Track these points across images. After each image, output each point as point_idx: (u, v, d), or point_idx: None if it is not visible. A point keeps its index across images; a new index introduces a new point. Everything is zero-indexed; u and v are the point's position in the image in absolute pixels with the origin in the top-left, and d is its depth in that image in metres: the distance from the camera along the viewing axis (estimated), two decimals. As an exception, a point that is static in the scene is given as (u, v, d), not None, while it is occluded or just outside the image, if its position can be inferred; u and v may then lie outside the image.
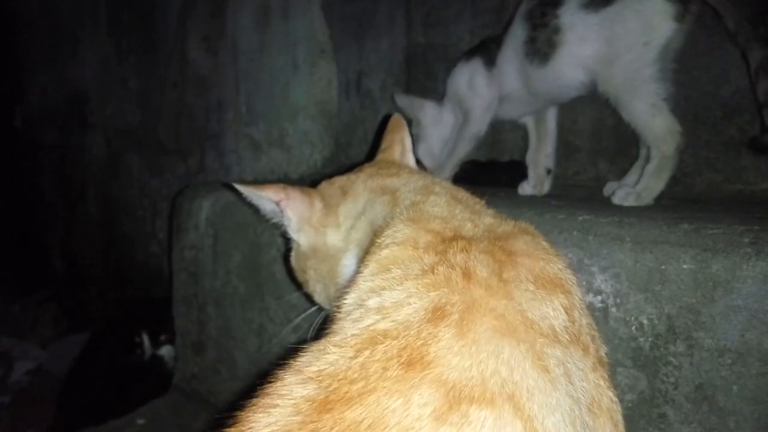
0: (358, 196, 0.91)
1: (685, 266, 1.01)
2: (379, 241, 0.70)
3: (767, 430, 0.95)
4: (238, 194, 1.61)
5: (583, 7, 1.36)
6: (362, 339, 0.53)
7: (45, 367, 2.55)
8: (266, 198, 0.93)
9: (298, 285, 1.03)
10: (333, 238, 0.90)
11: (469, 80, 1.62)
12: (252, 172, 2.44)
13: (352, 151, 2.20)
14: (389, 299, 0.57)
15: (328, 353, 0.52)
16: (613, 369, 1.12)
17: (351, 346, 0.52)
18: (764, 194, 1.48)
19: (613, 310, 1.08)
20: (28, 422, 2.12)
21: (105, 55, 3.04)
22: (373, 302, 0.58)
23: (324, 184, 0.97)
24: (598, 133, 1.73)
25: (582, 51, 1.37)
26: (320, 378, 0.49)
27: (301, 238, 0.94)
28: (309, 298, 1.03)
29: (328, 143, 2.25)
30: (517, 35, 1.49)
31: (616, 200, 1.35)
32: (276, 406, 0.48)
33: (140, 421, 1.59)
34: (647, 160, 1.36)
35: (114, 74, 3.00)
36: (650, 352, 1.05)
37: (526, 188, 1.62)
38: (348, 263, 0.89)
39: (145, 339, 2.02)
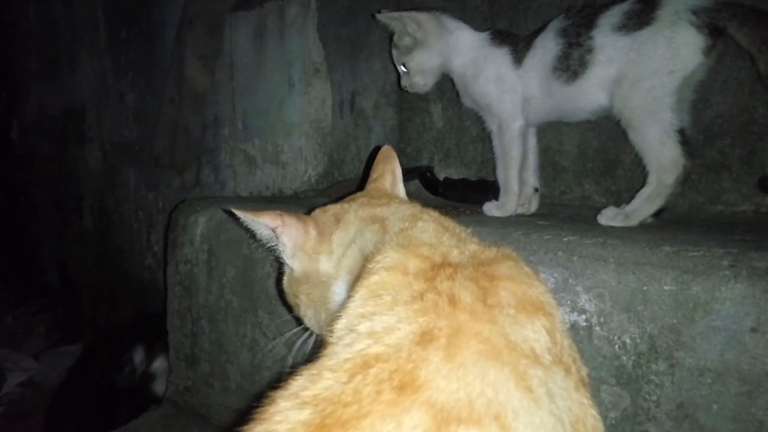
0: (350, 224, 0.93)
1: (666, 287, 1.04)
2: (369, 266, 0.72)
3: (745, 448, 0.98)
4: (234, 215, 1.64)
5: (617, 29, 1.37)
6: (355, 363, 0.55)
7: (37, 379, 2.55)
8: (263, 224, 0.95)
9: (290, 308, 1.05)
10: (325, 265, 0.93)
11: (496, 72, 1.55)
12: (247, 187, 2.47)
13: (345, 168, 2.24)
14: (380, 324, 0.60)
15: (323, 377, 0.54)
16: (596, 387, 1.15)
17: (344, 371, 0.55)
18: (744, 215, 1.52)
19: (597, 329, 1.11)
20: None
21: (102, 70, 3.07)
22: (364, 327, 0.60)
23: (318, 212, 1.00)
24: (583, 155, 1.77)
25: (608, 72, 1.38)
26: (316, 402, 0.52)
27: (295, 263, 0.96)
28: (299, 322, 1.05)
29: (321, 160, 2.28)
30: (549, 48, 1.47)
31: (603, 220, 1.38)
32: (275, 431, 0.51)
33: (133, 434, 1.61)
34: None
35: (111, 89, 3.03)
36: (633, 371, 1.08)
37: (491, 209, 1.59)
38: (338, 290, 0.92)
39: (138, 356, 2.02)
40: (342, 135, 2.24)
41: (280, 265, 1.03)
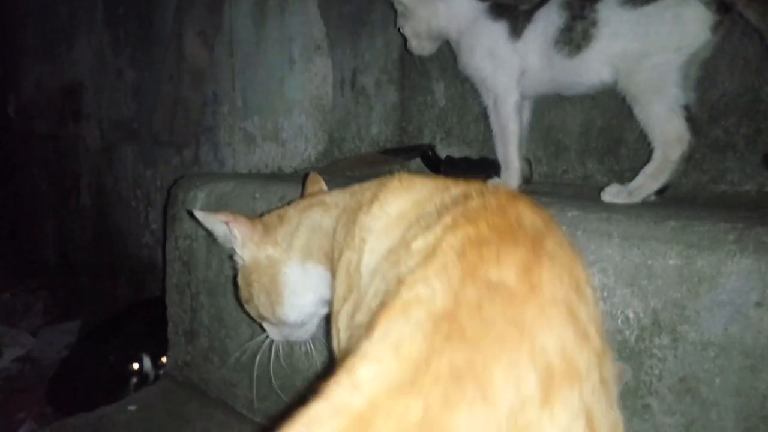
0: (291, 218, 1.11)
1: (671, 262, 1.04)
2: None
3: (748, 422, 0.98)
4: (233, 186, 1.64)
5: (623, 3, 1.35)
6: None
7: (35, 355, 2.55)
8: (217, 220, 1.12)
9: (245, 303, 1.17)
10: (272, 252, 1.09)
11: (491, 48, 1.54)
12: (246, 165, 2.45)
13: (345, 147, 2.22)
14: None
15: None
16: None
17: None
18: (748, 195, 1.51)
19: (600, 303, 1.11)
20: (16, 408, 2.12)
21: (101, 47, 3.04)
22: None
23: (266, 215, 1.16)
24: (587, 134, 1.75)
25: (613, 47, 1.36)
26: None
27: (245, 253, 1.11)
28: (259, 324, 1.21)
29: (322, 138, 2.27)
30: (552, 20, 1.45)
31: (607, 198, 1.37)
32: None
33: (131, 408, 1.60)
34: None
35: (109, 66, 3.00)
36: (635, 345, 1.07)
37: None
38: (289, 271, 1.08)
39: (146, 361, 1.99)
40: (343, 113, 2.22)
41: (235, 276, 1.17)
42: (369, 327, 0.51)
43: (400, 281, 0.57)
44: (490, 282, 0.53)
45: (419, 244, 0.65)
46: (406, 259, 0.65)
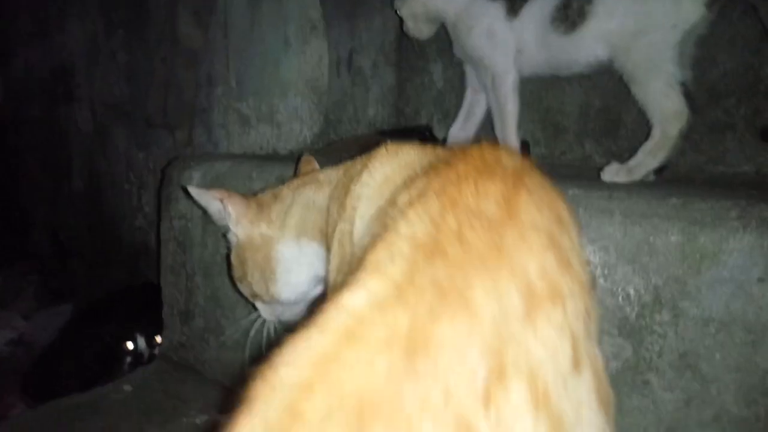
0: (285, 196, 1.12)
1: (673, 239, 1.04)
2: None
3: (748, 397, 0.98)
4: (229, 166, 1.63)
5: None
6: None
7: (28, 338, 2.53)
8: (212, 197, 1.12)
9: (239, 282, 1.17)
10: (266, 230, 1.10)
11: (488, 27, 1.55)
12: (240, 147, 2.43)
13: (341, 128, 2.21)
14: None
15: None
16: (599, 338, 1.15)
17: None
18: (746, 176, 1.51)
19: (601, 281, 1.10)
20: (8, 390, 2.10)
21: (93, 29, 2.99)
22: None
23: (259, 194, 1.17)
24: (585, 115, 1.75)
25: (608, 24, 1.37)
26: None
27: (239, 230, 1.11)
28: (251, 302, 1.21)
29: (317, 120, 2.24)
30: None
31: (607, 177, 1.36)
32: None
33: (127, 388, 1.59)
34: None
35: (102, 47, 2.96)
36: (636, 322, 1.07)
37: None
38: (283, 249, 1.08)
39: (141, 341, 1.96)
40: (339, 94, 2.19)
41: (229, 254, 1.17)
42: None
43: (384, 228, 0.58)
44: (469, 209, 0.54)
45: (404, 198, 0.66)
46: (391, 213, 0.66)
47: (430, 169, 0.69)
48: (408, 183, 0.73)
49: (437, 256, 0.49)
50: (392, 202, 0.71)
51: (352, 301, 0.46)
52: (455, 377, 0.41)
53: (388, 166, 0.88)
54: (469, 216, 0.53)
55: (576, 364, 0.49)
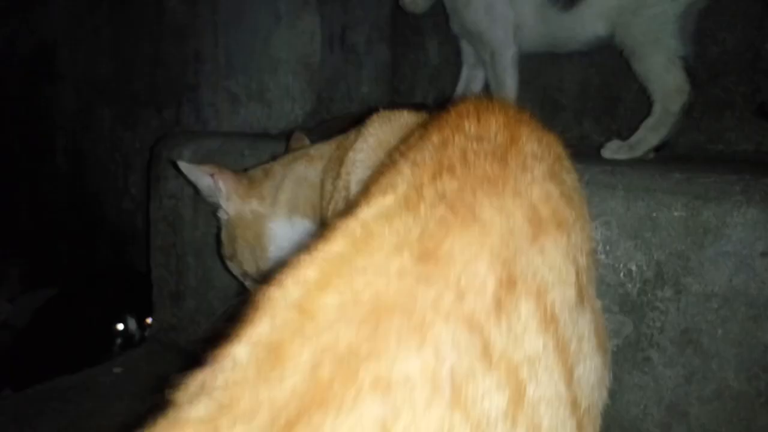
0: (276, 172, 1.10)
1: (676, 213, 1.02)
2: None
3: (749, 372, 0.97)
4: (220, 143, 1.59)
5: None
6: None
7: (11, 322, 2.48)
8: (202, 172, 1.10)
9: (228, 260, 1.16)
10: (257, 207, 1.08)
11: (487, 2, 1.53)
12: (230, 126, 2.39)
13: (334, 107, 2.17)
14: None
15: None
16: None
17: None
18: (745, 154, 1.51)
19: (602, 257, 1.09)
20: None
21: (76, 4, 2.92)
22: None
23: (250, 170, 1.15)
24: (584, 93, 1.73)
25: (607, 0, 1.36)
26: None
27: (230, 206, 1.10)
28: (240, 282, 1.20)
29: (309, 98, 2.20)
30: None
31: (608, 153, 1.35)
32: None
33: (116, 370, 1.56)
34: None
35: (85, 23, 2.88)
36: (637, 298, 1.06)
37: None
38: (274, 226, 1.07)
39: (131, 322, 1.92)
40: (331, 72, 2.16)
41: (219, 222, 1.15)
42: None
43: (386, 168, 0.58)
44: (471, 136, 0.54)
45: (402, 147, 0.66)
46: (392, 156, 0.67)
47: (427, 121, 0.69)
48: (404, 139, 0.73)
49: (444, 174, 0.49)
50: (389, 156, 0.71)
51: (363, 213, 0.46)
52: (467, 282, 0.40)
53: (381, 131, 0.88)
54: (471, 142, 0.53)
55: (580, 297, 0.49)
